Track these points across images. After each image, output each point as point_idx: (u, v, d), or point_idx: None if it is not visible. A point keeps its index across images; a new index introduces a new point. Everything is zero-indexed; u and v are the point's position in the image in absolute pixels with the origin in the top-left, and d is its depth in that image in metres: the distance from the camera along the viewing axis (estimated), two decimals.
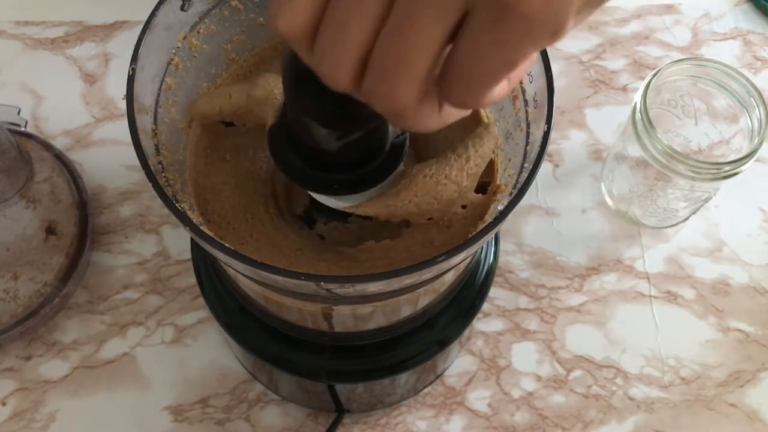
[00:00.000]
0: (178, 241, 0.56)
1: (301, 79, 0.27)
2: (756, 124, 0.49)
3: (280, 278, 0.30)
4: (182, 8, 0.36)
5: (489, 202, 0.37)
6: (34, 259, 0.52)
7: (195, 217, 0.36)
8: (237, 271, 0.35)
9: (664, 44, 0.66)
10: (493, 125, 0.38)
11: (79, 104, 0.62)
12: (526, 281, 0.56)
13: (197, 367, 0.53)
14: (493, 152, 0.37)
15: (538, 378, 0.53)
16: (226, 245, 0.31)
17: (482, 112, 0.42)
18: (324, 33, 0.22)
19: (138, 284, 0.55)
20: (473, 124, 0.41)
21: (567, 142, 0.61)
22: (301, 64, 0.25)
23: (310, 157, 0.33)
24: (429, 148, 0.41)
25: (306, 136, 0.31)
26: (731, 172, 0.48)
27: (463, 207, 0.38)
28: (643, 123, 0.49)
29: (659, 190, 0.53)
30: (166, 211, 0.37)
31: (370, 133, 0.31)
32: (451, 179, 0.35)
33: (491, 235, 0.32)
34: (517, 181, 0.35)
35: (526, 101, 0.36)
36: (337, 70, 0.23)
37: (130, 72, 0.33)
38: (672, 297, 0.56)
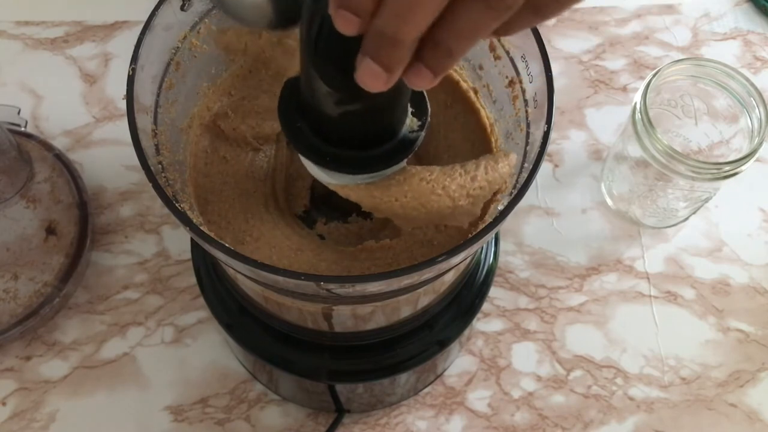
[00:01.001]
0: (178, 241, 0.56)
1: (314, 18, 0.26)
2: (756, 124, 0.49)
3: (280, 278, 0.30)
4: (182, 8, 0.36)
5: (489, 202, 0.37)
6: (34, 259, 0.52)
7: (195, 217, 0.36)
8: (237, 271, 0.35)
9: (664, 44, 0.66)
10: (512, 156, 0.35)
11: (79, 104, 0.62)
12: (526, 281, 0.56)
13: (197, 367, 0.53)
14: (505, 184, 0.35)
15: (538, 378, 0.53)
16: (226, 245, 0.31)
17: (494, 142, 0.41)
18: None
19: (138, 284, 0.55)
20: (475, 134, 0.41)
21: (567, 142, 0.61)
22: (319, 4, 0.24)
23: (313, 120, 0.31)
24: (429, 148, 0.41)
25: (309, 92, 0.29)
26: (731, 172, 0.48)
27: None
28: (643, 123, 0.49)
29: (659, 190, 0.53)
30: (166, 211, 0.37)
31: (373, 112, 0.30)
32: (448, 193, 0.33)
33: (491, 235, 0.32)
34: (517, 181, 0.35)
35: (526, 101, 0.36)
36: None
37: (130, 72, 0.33)
38: (672, 297, 0.56)
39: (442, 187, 0.33)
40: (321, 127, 0.31)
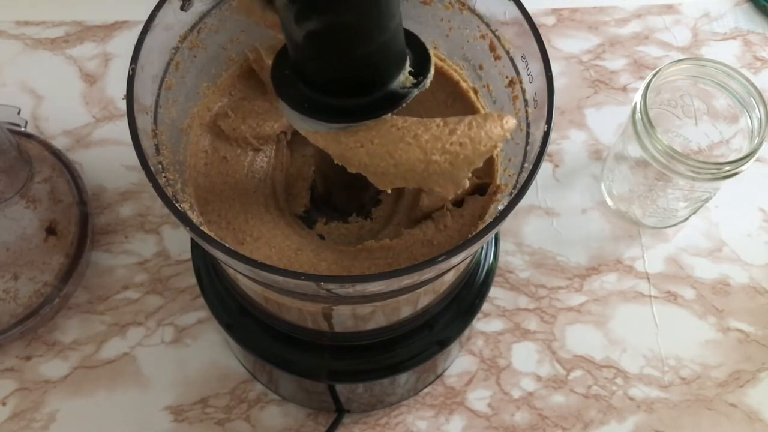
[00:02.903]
0: (178, 241, 0.56)
1: None
2: (756, 124, 0.49)
3: (280, 278, 0.30)
4: (182, 8, 0.36)
5: (489, 202, 0.37)
6: (34, 259, 0.52)
7: (195, 217, 0.36)
8: (237, 271, 0.35)
9: (664, 44, 0.66)
10: (508, 118, 0.32)
11: (79, 104, 0.62)
12: (526, 281, 0.56)
13: (197, 367, 0.53)
14: (495, 148, 0.32)
15: (538, 378, 0.53)
16: (226, 245, 0.31)
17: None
18: None
19: (138, 284, 0.55)
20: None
21: (567, 142, 0.61)
22: None
23: (294, 63, 0.30)
24: None
25: (281, 24, 0.28)
26: (731, 172, 0.48)
27: (455, 205, 0.36)
28: (643, 123, 0.49)
29: (659, 190, 0.53)
30: (166, 211, 0.37)
31: (338, 33, 0.27)
32: (419, 143, 0.30)
33: (491, 235, 0.31)
34: (517, 181, 0.35)
35: (526, 101, 0.36)
36: None
37: (130, 72, 0.33)
38: (672, 297, 0.56)
39: (413, 135, 0.30)
40: (300, 68, 0.30)
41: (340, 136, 0.31)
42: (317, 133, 0.31)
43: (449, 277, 0.40)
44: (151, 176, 0.31)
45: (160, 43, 0.35)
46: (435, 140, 0.30)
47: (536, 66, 0.34)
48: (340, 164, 0.32)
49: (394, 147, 0.30)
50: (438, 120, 0.31)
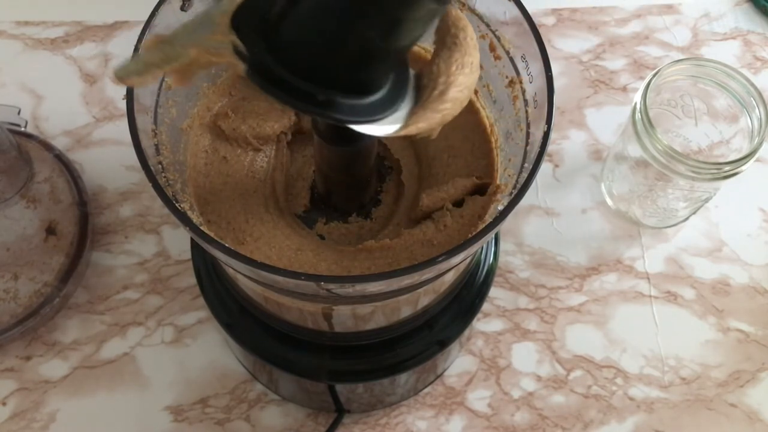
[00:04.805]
0: (178, 241, 0.56)
1: None
2: (756, 124, 0.49)
3: (280, 278, 0.30)
4: (182, 8, 0.36)
5: (489, 202, 0.37)
6: (34, 259, 0.52)
7: (195, 217, 0.36)
8: (237, 271, 0.35)
9: (664, 44, 0.66)
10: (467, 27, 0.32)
11: (79, 104, 0.62)
12: (526, 281, 0.56)
13: (197, 367, 0.53)
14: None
15: (538, 378, 0.53)
16: (226, 245, 0.31)
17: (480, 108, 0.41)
18: None
19: (138, 284, 0.55)
20: (475, 134, 0.41)
21: (567, 142, 0.61)
22: None
23: (335, 77, 0.28)
24: (429, 148, 0.41)
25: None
26: (731, 172, 0.48)
27: (455, 205, 0.37)
28: (643, 123, 0.49)
29: (659, 190, 0.53)
30: (166, 211, 0.37)
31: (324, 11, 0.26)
32: (464, 63, 0.31)
33: (491, 235, 0.31)
34: (517, 181, 0.35)
35: (526, 101, 0.36)
36: None
37: None
38: (672, 297, 0.56)
39: (460, 64, 0.31)
40: (344, 80, 0.28)
41: (432, 106, 0.30)
42: (404, 126, 0.30)
43: (449, 277, 0.40)
44: (151, 176, 0.31)
45: None
46: (465, 57, 0.32)
47: (536, 66, 0.34)
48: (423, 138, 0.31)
49: (469, 80, 0.31)
50: (452, 65, 0.31)
